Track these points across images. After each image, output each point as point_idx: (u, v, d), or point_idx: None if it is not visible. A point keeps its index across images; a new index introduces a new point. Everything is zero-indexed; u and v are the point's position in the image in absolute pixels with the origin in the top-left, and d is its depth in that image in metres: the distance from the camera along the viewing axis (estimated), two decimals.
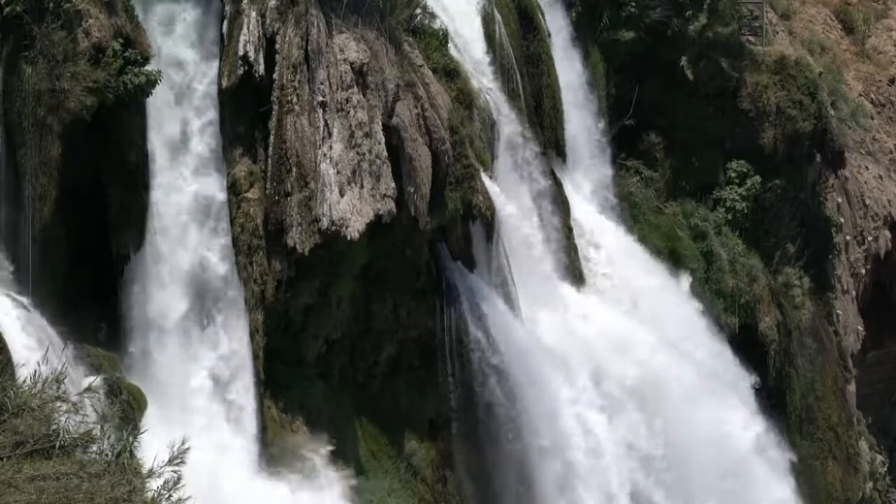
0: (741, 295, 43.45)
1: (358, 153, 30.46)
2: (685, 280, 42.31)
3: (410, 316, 33.02)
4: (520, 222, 35.98)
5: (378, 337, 32.72)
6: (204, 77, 29.39)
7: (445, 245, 33.74)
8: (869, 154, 52.52)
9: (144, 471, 14.01)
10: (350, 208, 30.08)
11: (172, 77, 28.85)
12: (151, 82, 27.31)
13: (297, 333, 31.25)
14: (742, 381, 41.70)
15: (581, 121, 41.51)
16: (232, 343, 29.36)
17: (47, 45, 26.25)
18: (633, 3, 42.22)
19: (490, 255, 34.54)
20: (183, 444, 13.91)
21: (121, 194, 27.68)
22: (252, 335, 29.63)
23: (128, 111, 27.45)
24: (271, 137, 29.81)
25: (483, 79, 36.66)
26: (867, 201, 50.97)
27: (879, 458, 50.98)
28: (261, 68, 29.59)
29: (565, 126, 40.33)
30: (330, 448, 30.83)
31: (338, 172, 30.08)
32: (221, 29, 29.64)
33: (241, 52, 29.36)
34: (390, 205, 30.72)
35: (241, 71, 29.42)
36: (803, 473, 43.06)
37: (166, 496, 13.68)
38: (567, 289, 37.76)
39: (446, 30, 35.21)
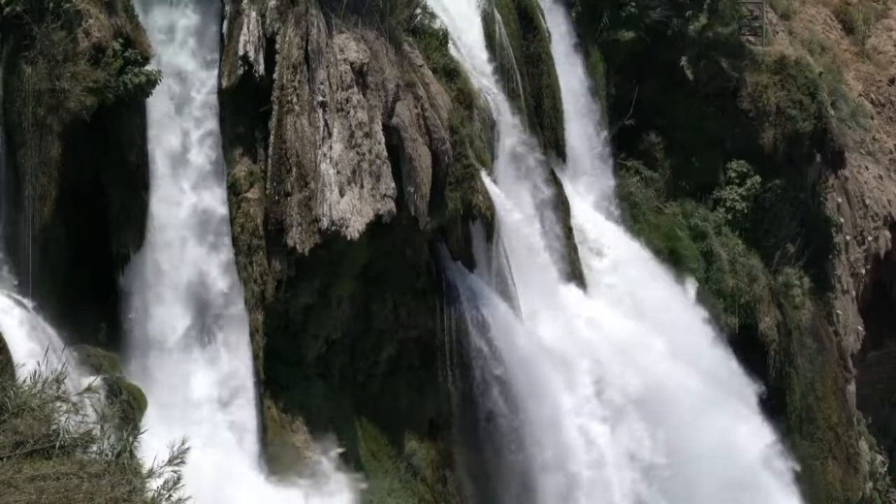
0: (741, 295, 43.45)
1: (358, 153, 30.47)
2: (691, 287, 42.24)
3: (410, 316, 33.02)
4: (520, 222, 35.94)
5: (378, 337, 32.72)
6: (203, 86, 29.32)
7: (445, 245, 33.73)
8: (869, 154, 52.52)
9: (144, 471, 14.01)
10: (350, 208, 30.08)
11: (172, 87, 28.81)
12: (151, 82, 27.32)
13: (297, 333, 31.25)
14: (746, 388, 41.62)
15: (582, 128, 41.44)
16: (233, 362, 29.26)
17: (47, 45, 26.25)
18: (633, 3, 42.21)
19: (490, 256, 34.53)
20: (183, 444, 13.91)
21: (121, 194, 27.68)
22: (252, 335, 29.63)
23: (128, 111, 27.46)
24: (271, 137, 29.81)
25: (483, 79, 36.65)
26: (867, 201, 50.97)
27: (879, 458, 50.98)
28: (261, 68, 29.59)
29: (566, 128, 40.33)
30: (339, 450, 30.88)
31: (338, 172, 30.09)
32: (221, 29, 29.63)
33: (241, 52, 29.36)
34: (390, 205, 30.72)
35: (241, 71, 29.42)
36: (803, 473, 43.05)
37: (166, 496, 13.68)
38: (567, 289, 37.71)
39: (446, 30, 35.20)
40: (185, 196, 28.99)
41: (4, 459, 13.52)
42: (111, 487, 13.54)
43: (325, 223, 29.71)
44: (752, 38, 46.42)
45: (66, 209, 27.02)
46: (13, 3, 26.02)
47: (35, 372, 14.78)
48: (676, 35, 43.39)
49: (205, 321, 29.10)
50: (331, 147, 30.21)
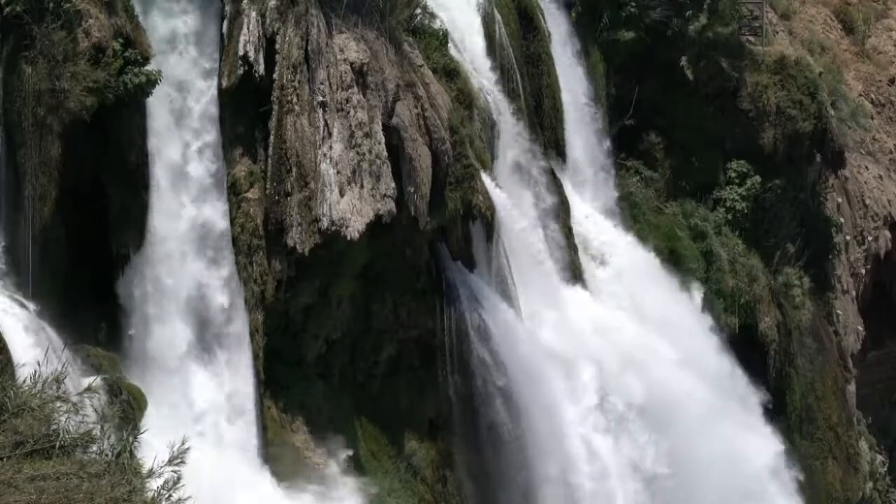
0: (741, 295, 43.44)
1: (358, 153, 30.46)
2: (697, 294, 42.16)
3: (410, 316, 33.02)
4: (520, 223, 35.93)
5: (378, 337, 32.71)
6: (202, 95, 29.26)
7: (445, 245, 33.73)
8: (869, 154, 52.52)
9: (144, 471, 14.01)
10: (350, 208, 30.08)
11: (172, 98, 28.79)
12: (151, 82, 27.31)
13: (297, 333, 31.24)
14: (751, 397, 41.54)
15: (582, 129, 41.38)
16: (236, 381, 29.19)
17: (47, 45, 26.24)
18: (633, 3, 42.22)
19: (490, 256, 34.53)
20: (183, 444, 13.91)
21: (121, 194, 27.66)
22: (252, 335, 29.62)
23: (128, 111, 27.44)
24: (271, 137, 29.81)
25: (483, 79, 36.65)
26: (867, 201, 50.97)
27: (879, 458, 50.98)
28: (261, 68, 29.58)
29: (566, 128, 40.35)
30: (348, 452, 30.89)
31: (338, 172, 30.08)
32: (221, 29, 29.63)
33: (241, 52, 29.35)
34: (390, 205, 30.71)
35: (241, 71, 29.41)
36: (803, 473, 43.04)
37: (166, 496, 13.67)
38: (567, 290, 37.67)
39: (446, 30, 35.20)
40: (185, 209, 28.90)
41: (4, 459, 13.52)
42: (111, 487, 13.53)
43: (325, 223, 29.71)
44: (752, 38, 46.43)
45: (66, 209, 27.01)
46: (13, 3, 26.01)
47: (35, 372, 14.77)
48: (676, 35, 43.40)
49: (205, 338, 29.00)
50: (331, 147, 30.21)
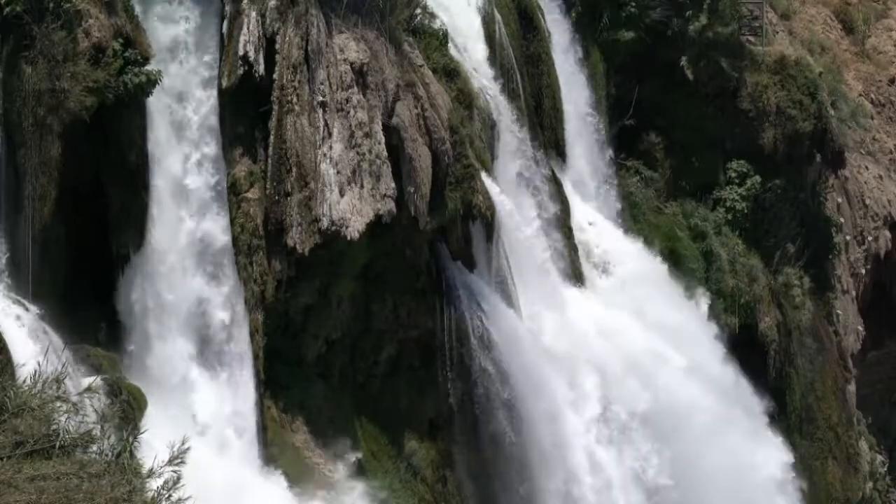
0: (741, 295, 43.44)
1: (358, 153, 30.46)
2: (703, 303, 42.08)
3: (410, 316, 33.01)
4: (520, 222, 35.92)
5: (378, 337, 32.70)
6: (201, 106, 29.20)
7: (445, 245, 33.72)
8: (869, 154, 52.52)
9: (144, 471, 14.00)
10: (350, 208, 30.08)
11: (173, 109, 28.73)
12: (151, 82, 27.30)
13: (297, 333, 31.24)
14: (756, 407, 41.44)
15: (588, 150, 41.25)
16: (237, 401, 29.12)
17: (47, 45, 26.24)
18: (633, 3, 42.22)
19: (490, 255, 34.52)
20: (183, 443, 13.90)
21: (121, 194, 27.65)
22: (252, 335, 29.61)
23: (128, 111, 27.43)
24: (271, 137, 29.80)
25: (483, 79, 36.65)
26: (867, 201, 50.97)
27: (879, 458, 50.99)
28: (261, 68, 29.57)
29: (566, 128, 40.34)
30: (358, 455, 30.87)
31: (338, 172, 30.08)
32: (221, 29, 29.62)
33: (241, 52, 29.34)
34: (390, 205, 30.71)
35: (241, 71, 29.41)
36: (803, 473, 43.01)
37: (166, 496, 13.67)
38: (567, 290, 37.64)
39: (446, 30, 35.20)
40: (184, 223, 28.81)
41: (4, 459, 13.51)
42: (111, 487, 13.53)
43: (325, 223, 29.71)
44: (752, 38, 46.43)
45: (66, 209, 27.00)
46: (13, 3, 26.00)
47: (35, 372, 14.77)
48: (676, 35, 43.40)
49: (206, 356, 28.93)
50: (331, 147, 30.21)
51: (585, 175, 41.02)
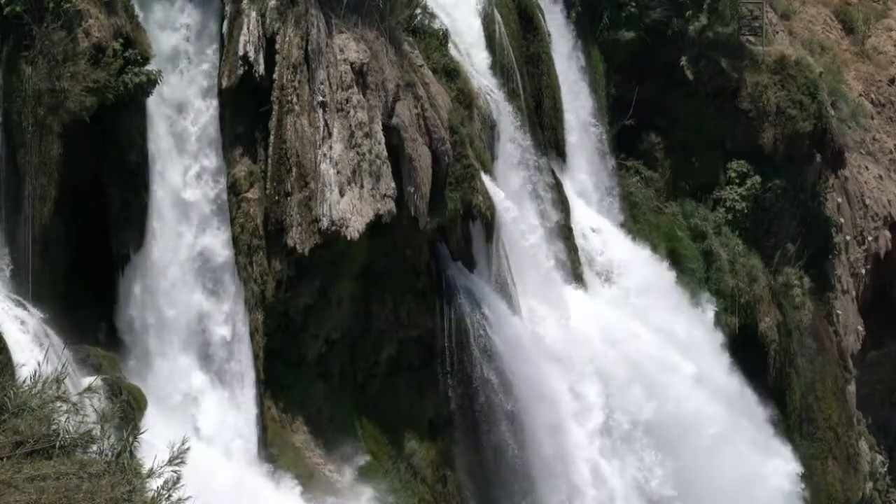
0: (741, 295, 43.44)
1: (358, 153, 30.46)
2: (710, 310, 41.99)
3: (410, 316, 33.00)
4: (520, 222, 35.91)
5: (378, 337, 32.70)
6: (200, 116, 29.14)
7: (445, 245, 33.72)
8: (869, 154, 52.53)
9: (144, 471, 14.00)
10: (350, 208, 30.07)
11: (173, 120, 28.67)
12: (152, 82, 27.30)
13: (297, 333, 31.23)
14: (762, 415, 41.31)
15: (589, 161, 41.13)
16: (238, 419, 29.05)
17: (47, 45, 26.23)
18: (633, 3, 42.23)
19: (490, 256, 34.52)
20: (183, 443, 13.90)
21: (121, 194, 27.64)
22: (252, 335, 29.61)
23: (128, 111, 27.42)
24: (271, 137, 29.80)
25: (483, 79, 36.65)
26: (867, 201, 50.97)
27: (879, 458, 50.99)
28: (261, 68, 29.57)
29: (566, 128, 40.33)
30: (367, 458, 30.85)
31: (338, 172, 30.08)
32: (221, 29, 29.62)
33: (241, 52, 29.34)
34: (390, 205, 30.71)
35: (241, 71, 29.40)
36: (803, 473, 42.98)
37: (166, 496, 13.67)
38: (568, 290, 37.61)
39: (446, 30, 35.20)
40: (183, 238, 28.72)
41: (4, 459, 13.51)
42: (111, 487, 13.53)
43: (325, 223, 29.71)
44: (752, 38, 46.44)
45: (66, 209, 26.99)
46: (13, 3, 25.99)
47: (35, 372, 14.77)
48: (676, 35, 43.42)
49: (208, 374, 28.85)
50: (331, 147, 30.21)
51: (589, 186, 40.93)
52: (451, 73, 34.55)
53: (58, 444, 13.92)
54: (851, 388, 48.70)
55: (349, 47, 30.95)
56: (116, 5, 27.31)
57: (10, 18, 26.10)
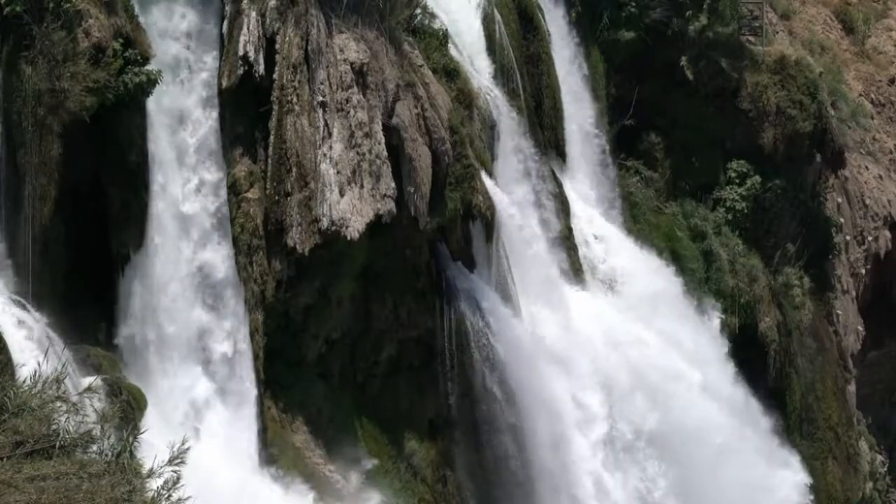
0: (741, 295, 43.44)
1: (358, 153, 30.46)
2: (715, 318, 41.91)
3: (410, 316, 33.00)
4: (520, 222, 35.89)
5: (378, 337, 32.70)
6: (199, 126, 29.05)
7: (445, 245, 33.72)
8: (869, 154, 52.53)
9: (144, 471, 14.00)
10: (350, 208, 30.07)
11: (174, 130, 28.64)
12: (152, 82, 27.30)
13: (297, 333, 31.23)
14: (767, 425, 41.21)
15: (591, 171, 40.99)
16: (239, 441, 28.98)
17: (47, 45, 26.23)
18: (633, 3, 42.23)
19: (490, 255, 34.52)
20: (183, 443, 13.90)
21: (121, 194, 27.64)
22: (252, 335, 29.61)
23: (128, 111, 27.42)
24: (271, 137, 29.80)
25: (483, 79, 36.65)
26: (867, 201, 50.98)
27: (879, 458, 50.98)
28: (261, 68, 29.57)
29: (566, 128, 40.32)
30: (374, 462, 30.82)
31: (338, 172, 30.08)
32: (221, 29, 29.62)
33: (241, 52, 29.34)
34: (390, 205, 30.71)
35: (241, 71, 29.40)
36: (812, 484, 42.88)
37: (166, 496, 13.67)
38: (568, 290, 37.58)
39: (446, 30, 35.20)
40: (183, 253, 28.61)
41: (4, 459, 13.51)
42: (111, 487, 13.53)
43: (325, 223, 29.71)
44: (752, 38, 46.44)
45: (66, 209, 26.99)
46: (13, 3, 26.00)
47: (35, 372, 14.77)
48: (676, 35, 43.41)
49: (209, 391, 28.76)
50: (331, 147, 30.21)
51: (592, 197, 40.82)
52: (451, 73, 34.56)
53: (58, 444, 13.92)
54: (851, 388, 48.70)
55: (349, 47, 30.95)
56: (116, 5, 27.31)
57: (10, 18, 26.10)
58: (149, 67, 27.29)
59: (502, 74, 37.46)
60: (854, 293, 49.91)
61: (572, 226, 38.69)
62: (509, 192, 35.41)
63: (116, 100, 26.95)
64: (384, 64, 31.37)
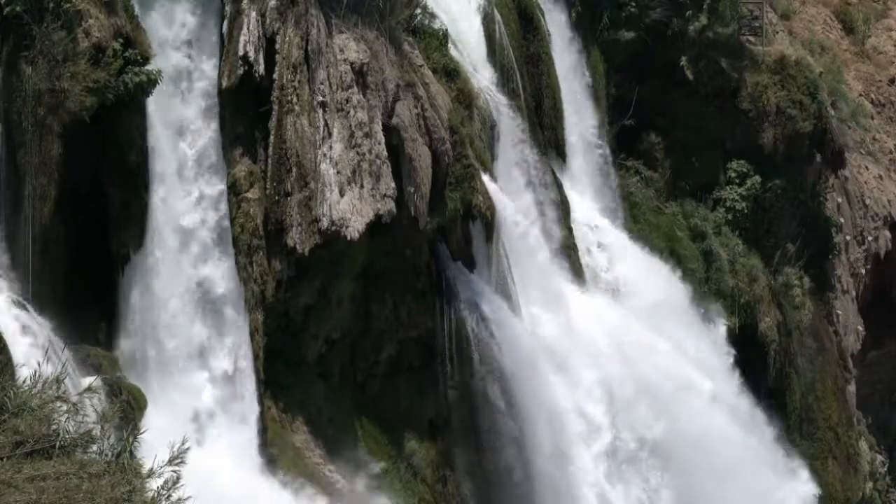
0: (741, 295, 43.43)
1: (358, 153, 30.46)
2: (722, 327, 41.82)
3: (410, 316, 33.00)
4: (520, 222, 35.88)
5: (378, 337, 32.70)
6: (199, 137, 28.98)
7: (445, 245, 33.72)
8: (869, 154, 52.53)
9: (144, 471, 14.00)
10: (350, 208, 30.07)
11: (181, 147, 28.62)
12: (152, 81, 27.30)
13: (297, 333, 31.23)
14: (772, 436, 41.13)
15: (592, 180, 40.91)
16: (241, 463, 28.89)
17: (47, 45, 26.23)
18: (633, 3, 42.23)
19: (490, 255, 34.51)
20: (183, 443, 13.90)
21: (121, 194, 27.64)
22: (252, 335, 29.60)
23: (128, 111, 27.42)
24: (271, 137, 29.80)
25: (483, 79, 36.65)
26: (867, 201, 50.97)
27: (879, 458, 50.98)
28: (261, 68, 29.57)
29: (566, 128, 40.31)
30: (382, 465, 30.79)
31: (338, 172, 30.08)
32: (221, 29, 29.62)
33: (241, 52, 29.34)
34: (390, 205, 30.71)
35: (241, 71, 29.40)
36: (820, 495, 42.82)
37: (166, 496, 13.67)
38: (569, 289, 37.55)
39: (446, 30, 35.20)
40: (182, 268, 28.55)
41: (4, 459, 13.51)
42: (111, 487, 13.53)
43: (325, 223, 29.71)
44: (752, 38, 46.43)
45: (66, 209, 26.99)
46: (13, 3, 26.00)
47: (35, 372, 14.77)
48: (676, 35, 43.41)
49: (207, 409, 28.69)
50: (331, 147, 30.21)
51: (596, 214, 40.74)
52: (451, 73, 34.56)
53: (58, 444, 13.92)
54: (851, 388, 48.69)
55: (349, 47, 30.95)
56: (116, 5, 27.31)
57: (10, 18, 26.11)
58: (149, 67, 27.29)
59: (502, 74, 37.46)
60: (854, 293, 49.91)
61: (574, 231, 38.56)
62: (513, 200, 35.36)
63: (116, 100, 26.95)
64: (384, 64, 31.37)
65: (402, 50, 32.37)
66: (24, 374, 19.30)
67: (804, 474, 40.95)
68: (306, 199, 29.78)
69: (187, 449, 13.91)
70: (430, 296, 33.17)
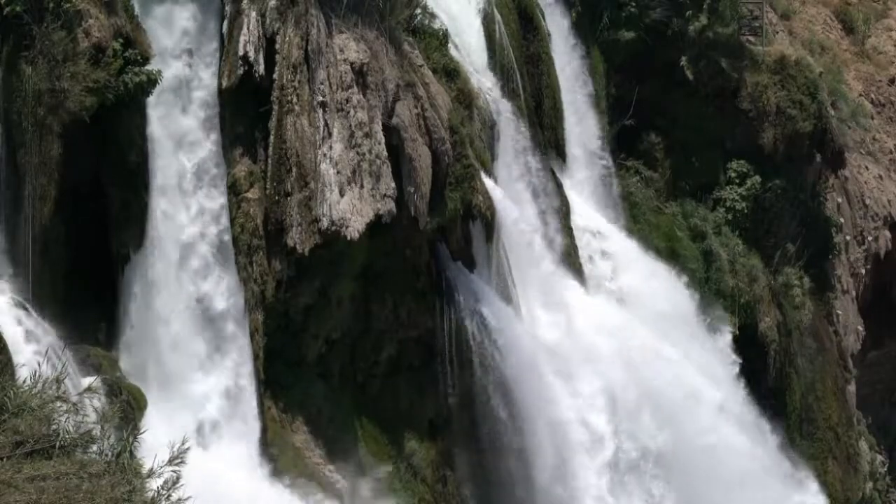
0: (741, 295, 43.43)
1: (358, 153, 30.46)
2: (727, 333, 41.74)
3: (410, 316, 33.00)
4: (520, 222, 35.88)
5: (378, 337, 32.70)
6: (198, 149, 28.91)
7: (445, 245, 33.72)
8: (869, 154, 52.52)
9: (144, 471, 14.00)
10: (350, 208, 30.07)
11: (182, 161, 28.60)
12: (152, 81, 27.30)
13: (297, 333, 31.23)
14: (778, 445, 41.06)
15: (594, 189, 40.83)
16: (240, 473, 28.80)
17: (47, 45, 26.24)
18: (633, 3, 42.23)
19: (490, 255, 34.51)
20: (183, 443, 13.90)
21: (121, 194, 27.65)
22: (252, 335, 29.61)
23: (128, 111, 27.42)
24: (271, 137, 29.80)
25: (483, 79, 36.64)
26: (867, 201, 50.97)
27: (879, 458, 50.97)
28: (261, 68, 29.57)
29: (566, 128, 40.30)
30: (387, 469, 30.76)
31: (338, 172, 30.08)
32: (221, 29, 29.62)
33: (241, 52, 29.34)
34: (390, 205, 30.70)
35: (241, 71, 29.40)
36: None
37: (166, 496, 13.67)
38: (570, 289, 37.52)
39: (446, 30, 35.20)
40: (183, 284, 28.48)
41: (4, 459, 13.51)
42: (111, 487, 13.53)
43: (325, 223, 29.71)
44: (752, 38, 46.43)
45: (66, 209, 27.00)
46: (13, 3, 26.00)
47: (35, 372, 14.77)
48: (676, 35, 43.41)
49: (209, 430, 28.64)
50: (331, 147, 30.21)
51: (601, 225, 40.68)
52: (451, 73, 34.56)
53: (58, 444, 13.92)
54: (851, 388, 48.69)
55: (349, 47, 30.95)
56: (116, 5, 27.32)
57: (10, 18, 26.11)
58: (149, 67, 27.29)
59: (502, 74, 37.45)
60: (854, 293, 49.90)
61: (577, 239, 38.48)
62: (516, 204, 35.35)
63: (116, 100, 26.96)
64: (384, 64, 31.37)
65: (402, 50, 32.37)
66: (24, 374, 19.30)
67: (813, 486, 40.77)
68: (306, 199, 29.78)
69: (187, 449, 13.91)
70: (430, 296, 33.17)
